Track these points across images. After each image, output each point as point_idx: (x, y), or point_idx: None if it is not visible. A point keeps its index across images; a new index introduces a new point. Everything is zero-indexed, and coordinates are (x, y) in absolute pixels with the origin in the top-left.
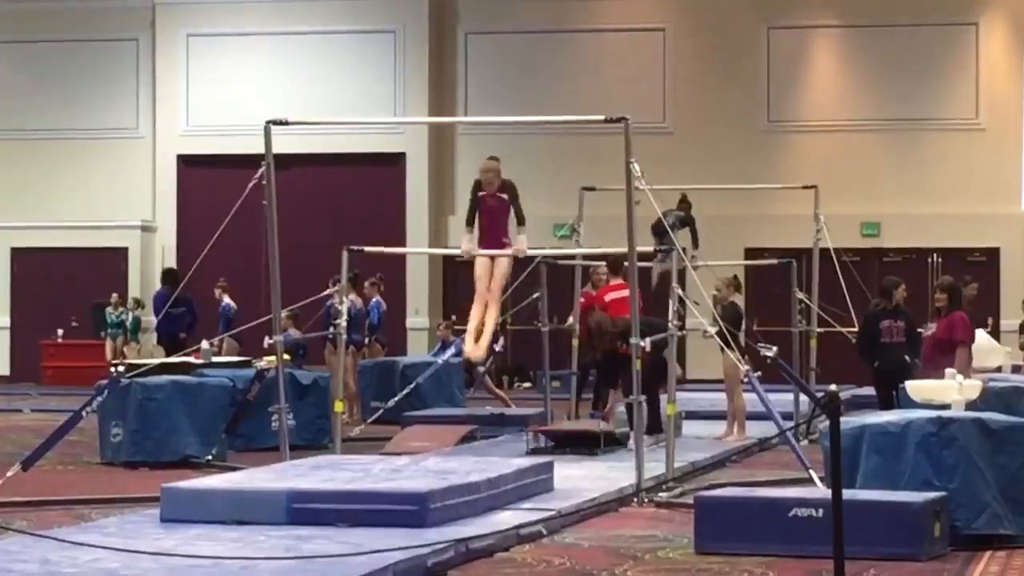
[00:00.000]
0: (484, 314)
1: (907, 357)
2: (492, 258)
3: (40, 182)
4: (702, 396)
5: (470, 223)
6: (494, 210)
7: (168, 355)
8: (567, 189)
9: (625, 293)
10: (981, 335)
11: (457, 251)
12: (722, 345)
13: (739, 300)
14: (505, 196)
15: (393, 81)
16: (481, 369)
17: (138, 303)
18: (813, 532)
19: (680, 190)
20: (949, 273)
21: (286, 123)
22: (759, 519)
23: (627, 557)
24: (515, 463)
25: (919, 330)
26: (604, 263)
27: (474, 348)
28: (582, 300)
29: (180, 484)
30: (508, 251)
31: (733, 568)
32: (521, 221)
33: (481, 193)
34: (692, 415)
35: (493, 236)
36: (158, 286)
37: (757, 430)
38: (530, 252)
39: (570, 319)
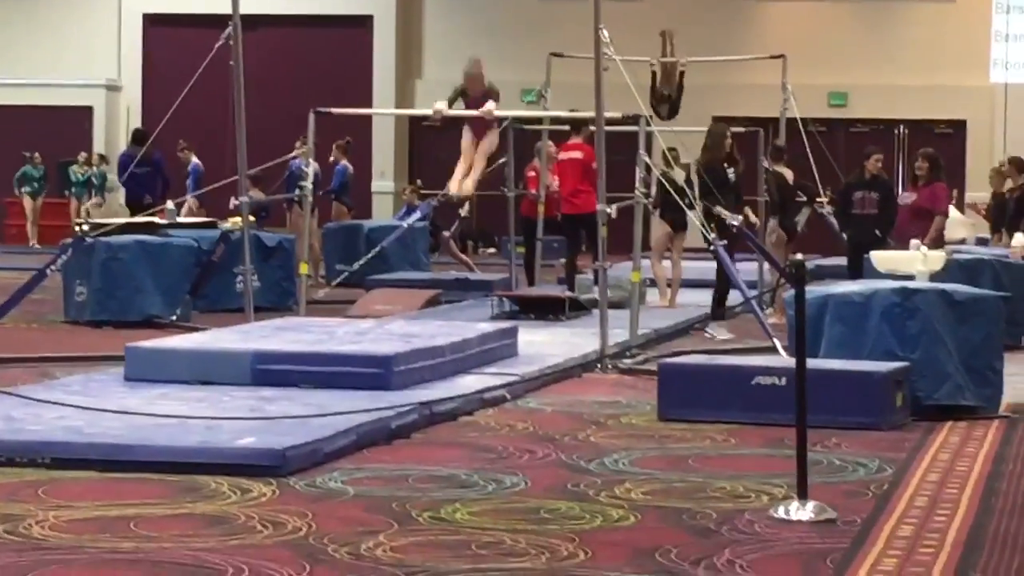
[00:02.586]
0: (470, 167)
1: (877, 232)
2: (477, 137)
3: (4, 39)
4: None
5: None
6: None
7: (134, 216)
8: (535, 55)
9: (576, 154)
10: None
11: (425, 111)
12: (684, 208)
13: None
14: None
15: None
16: (447, 234)
17: (103, 159)
18: (776, 400)
19: (647, 61)
20: (914, 144)
21: None
22: (722, 387)
23: (590, 422)
24: (479, 327)
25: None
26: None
27: (460, 183)
28: (531, 173)
29: (144, 343)
30: (479, 111)
31: (696, 435)
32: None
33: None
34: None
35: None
36: (123, 146)
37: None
38: (498, 113)
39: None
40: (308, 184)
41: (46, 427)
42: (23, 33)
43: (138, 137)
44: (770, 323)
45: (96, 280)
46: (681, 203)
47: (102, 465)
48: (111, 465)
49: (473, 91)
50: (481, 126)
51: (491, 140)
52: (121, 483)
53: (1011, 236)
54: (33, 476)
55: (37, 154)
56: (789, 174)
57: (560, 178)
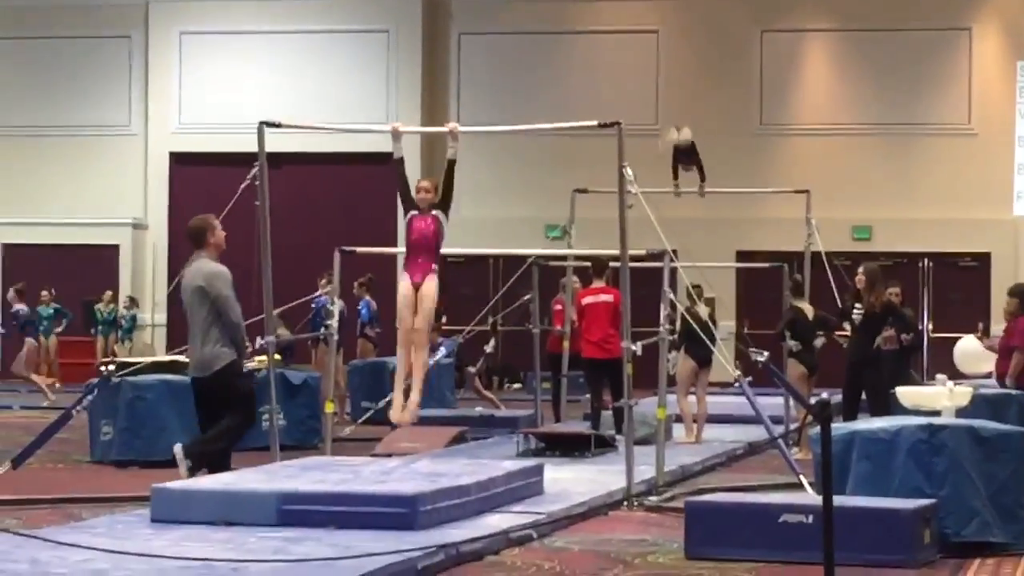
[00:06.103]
0: (411, 363)
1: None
2: (416, 288)
3: (32, 179)
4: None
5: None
6: (424, 232)
7: None
8: (559, 190)
9: (606, 298)
10: (971, 340)
11: (449, 251)
12: (711, 347)
13: (702, 310)
14: (437, 215)
15: (386, 80)
16: (472, 370)
17: (133, 301)
18: (803, 538)
19: (671, 192)
20: (938, 278)
21: (279, 125)
22: (749, 525)
23: (617, 561)
24: (505, 465)
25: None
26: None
27: (402, 413)
28: (558, 307)
29: (170, 484)
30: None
31: (723, 573)
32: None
33: (412, 214)
34: (681, 418)
35: (421, 265)
36: (151, 284)
37: (748, 434)
38: (522, 252)
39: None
40: (334, 322)
41: (71, 570)
42: (52, 172)
43: None
44: (796, 459)
45: (122, 419)
46: (705, 339)
47: None
48: None
49: (422, 202)
50: (423, 259)
51: (429, 296)
52: None
53: None
54: None
55: (44, 292)
56: (810, 309)
57: (587, 322)
